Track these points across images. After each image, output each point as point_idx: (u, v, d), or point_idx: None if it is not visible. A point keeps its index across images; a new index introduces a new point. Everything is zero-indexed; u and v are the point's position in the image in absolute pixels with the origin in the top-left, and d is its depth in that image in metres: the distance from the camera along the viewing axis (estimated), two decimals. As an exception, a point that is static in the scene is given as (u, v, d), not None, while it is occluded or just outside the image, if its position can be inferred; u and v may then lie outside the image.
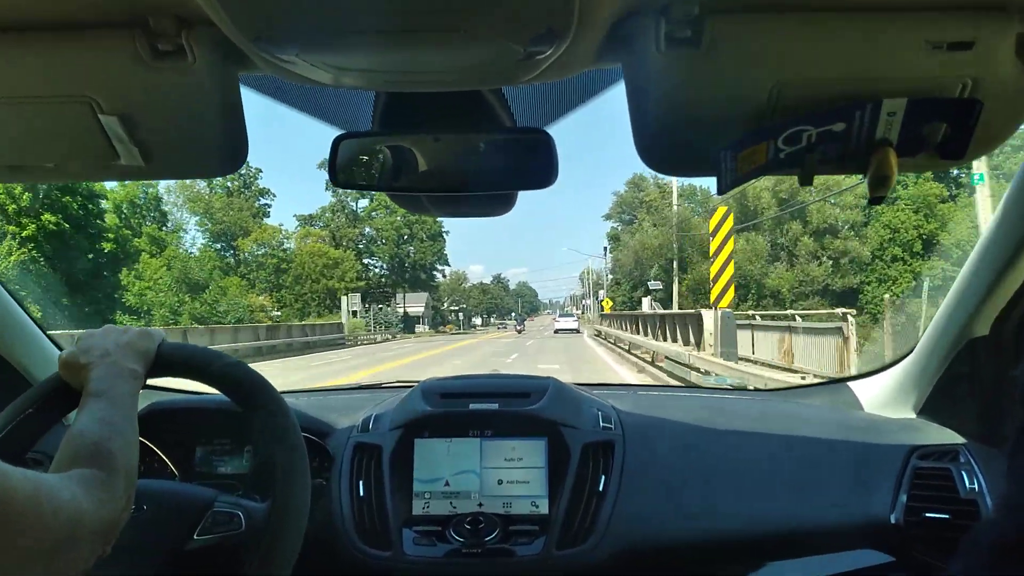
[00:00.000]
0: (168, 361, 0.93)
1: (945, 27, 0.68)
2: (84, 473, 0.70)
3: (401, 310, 53.56)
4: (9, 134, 0.83)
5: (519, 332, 43.65)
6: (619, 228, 51.51)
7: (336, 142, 0.97)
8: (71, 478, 0.68)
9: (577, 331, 37.67)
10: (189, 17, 0.69)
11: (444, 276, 64.50)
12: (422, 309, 65.77)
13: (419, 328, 64.11)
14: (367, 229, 53.64)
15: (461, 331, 66.07)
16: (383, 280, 54.16)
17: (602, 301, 40.37)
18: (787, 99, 0.74)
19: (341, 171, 0.98)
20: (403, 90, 0.89)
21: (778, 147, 0.76)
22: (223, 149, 0.85)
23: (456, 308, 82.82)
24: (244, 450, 1.36)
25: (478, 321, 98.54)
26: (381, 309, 47.25)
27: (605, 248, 50.46)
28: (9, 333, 1.33)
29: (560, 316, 43.75)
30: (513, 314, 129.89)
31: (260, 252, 43.62)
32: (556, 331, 37.98)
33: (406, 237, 55.26)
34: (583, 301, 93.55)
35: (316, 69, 0.73)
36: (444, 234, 58.59)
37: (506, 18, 0.63)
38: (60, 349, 1.39)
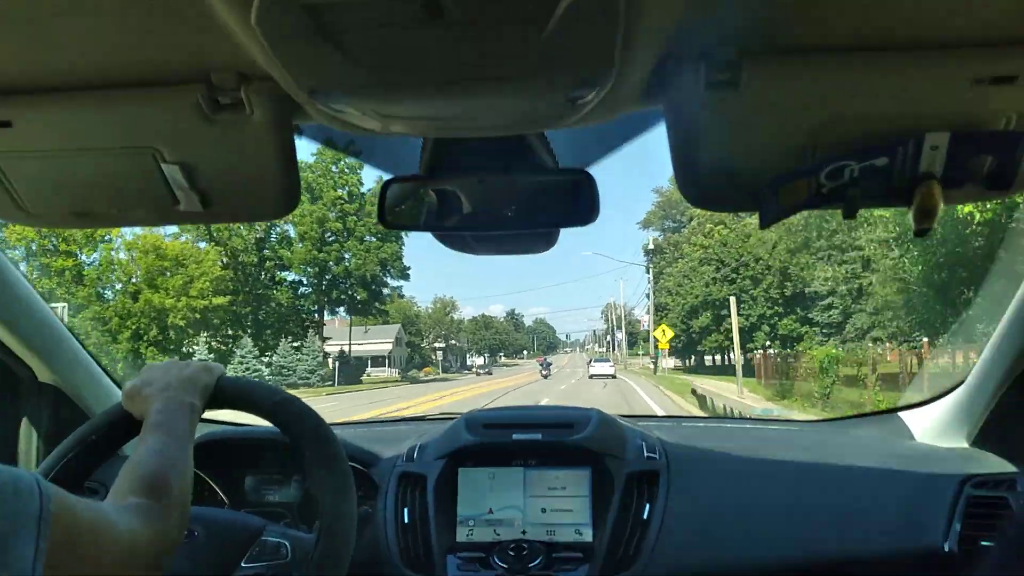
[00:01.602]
0: (226, 395, 0.97)
1: (988, 62, 0.68)
2: (140, 503, 0.73)
3: (323, 344, 36.56)
4: (77, 182, 0.87)
5: (544, 377, 37.38)
6: (661, 238, 43.37)
7: (385, 186, 1.00)
8: (128, 509, 0.71)
9: (613, 376, 34.81)
10: (248, 72, 0.73)
11: (406, 299, 50.95)
12: (389, 347, 53.62)
13: (381, 372, 51.54)
14: (277, 228, 34.42)
15: (440, 376, 51.68)
16: (298, 301, 36.14)
17: (654, 330, 33.30)
18: (828, 136, 0.75)
19: (390, 212, 1.00)
20: (450, 136, 0.92)
21: (820, 182, 0.76)
22: (277, 193, 0.88)
23: (440, 346, 67.52)
24: (292, 480, 1.39)
25: (479, 361, 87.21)
26: (300, 346, 32.96)
27: (647, 257, 41.51)
28: (69, 369, 1.38)
29: (596, 361, 40.95)
30: (525, 352, 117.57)
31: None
32: (592, 376, 35.01)
33: (331, 237, 35.83)
34: (606, 338, 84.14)
35: (367, 118, 0.75)
36: (401, 235, 34.47)
37: (550, 66, 0.65)
38: (117, 384, 1.47)
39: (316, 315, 37.28)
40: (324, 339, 37.85)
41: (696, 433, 1.61)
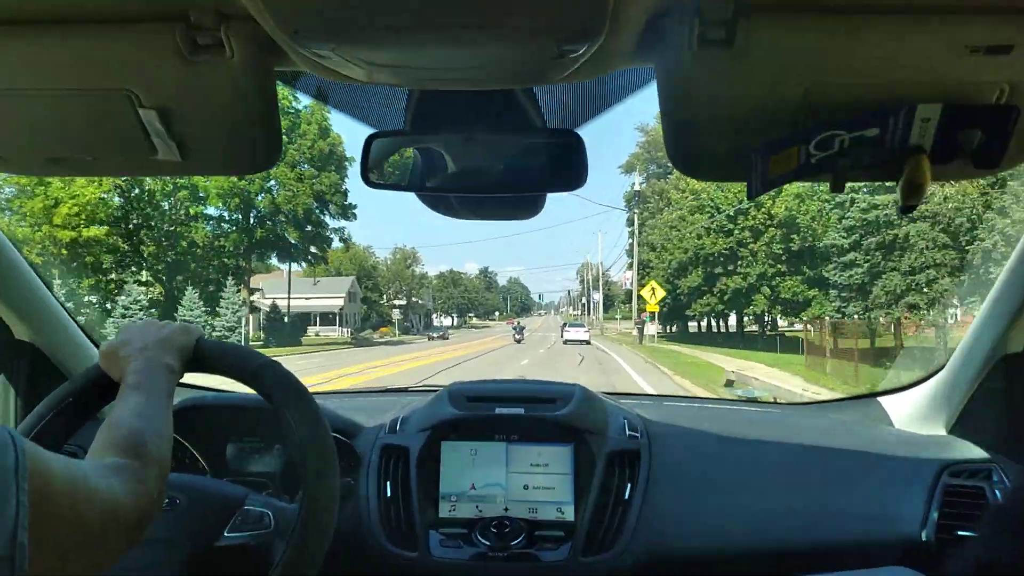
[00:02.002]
0: (205, 357, 0.95)
1: (983, 30, 0.67)
2: (119, 462, 0.71)
3: (250, 295, 30.33)
4: (50, 126, 0.85)
5: (517, 342, 34.55)
6: (644, 184, 37.92)
7: (368, 141, 0.97)
8: (107, 467, 0.70)
9: (588, 342, 33.14)
10: (228, 12, 0.70)
11: (347, 244, 39.06)
12: (341, 302, 48.06)
13: (331, 331, 46.70)
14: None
15: (396, 339, 45.23)
16: (218, 242, 29.29)
17: (640, 287, 28.51)
18: (820, 102, 0.74)
19: (372, 170, 0.99)
20: (435, 88, 0.90)
21: (810, 152, 0.75)
22: (259, 145, 0.87)
23: (400, 304, 59.75)
24: (275, 448, 1.38)
25: (446, 322, 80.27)
26: (215, 294, 26.74)
27: (633, 202, 36.08)
28: (47, 327, 1.36)
29: (570, 326, 38.65)
30: (498, 312, 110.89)
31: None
32: (566, 341, 33.38)
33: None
34: (582, 300, 79.21)
35: (350, 65, 0.74)
36: (346, 161, 31.20)
37: (539, 16, 0.64)
38: (95, 343, 1.45)
39: (240, 260, 30.47)
40: (252, 290, 31.89)
41: (678, 412, 1.61)
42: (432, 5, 0.62)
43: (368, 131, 0.99)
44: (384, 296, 58.13)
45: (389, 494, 1.28)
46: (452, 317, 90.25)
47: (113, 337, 0.92)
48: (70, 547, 0.60)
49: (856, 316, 21.19)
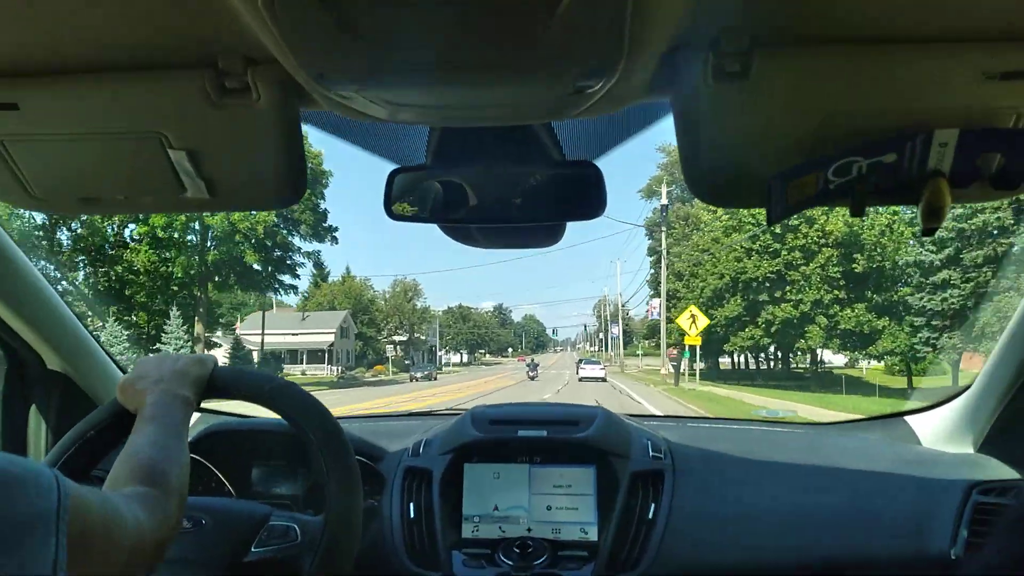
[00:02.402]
0: (221, 385, 0.97)
1: (999, 56, 0.68)
2: (140, 491, 0.74)
3: (205, 330, 26.51)
4: (84, 167, 0.87)
5: (531, 379, 33.26)
6: (668, 206, 33.59)
7: (391, 176, 1.00)
8: (131, 497, 0.72)
9: (604, 379, 31.33)
10: (255, 56, 0.73)
11: (320, 276, 35.88)
12: (331, 338, 44.32)
13: (319, 370, 42.60)
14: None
15: (389, 378, 39.41)
16: (165, 268, 24.99)
17: (675, 316, 24.66)
18: (837, 130, 0.74)
19: (395, 204, 1.00)
20: (456, 125, 0.92)
21: (828, 178, 0.76)
22: (284, 181, 0.88)
23: (401, 339, 55.34)
24: (298, 471, 1.39)
25: (455, 359, 77.64)
26: (151, 326, 23.38)
27: (658, 220, 31.61)
28: (77, 356, 1.39)
29: (585, 363, 36.41)
30: (510, 350, 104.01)
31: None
32: (581, 379, 31.63)
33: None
34: (599, 335, 74.17)
35: (373, 105, 0.75)
36: (324, 176, 27.16)
37: (556, 55, 0.65)
38: (123, 371, 1.46)
39: (193, 287, 26.40)
40: (209, 323, 27.88)
41: (702, 434, 1.59)
42: (454, 47, 0.64)
43: (391, 167, 1.01)
44: (383, 331, 53.30)
45: (412, 515, 1.29)
46: (461, 354, 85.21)
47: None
48: (101, 572, 0.62)
49: (951, 348, 17.76)
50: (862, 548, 1.22)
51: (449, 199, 1.01)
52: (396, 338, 55.76)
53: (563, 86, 0.71)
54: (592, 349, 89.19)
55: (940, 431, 1.50)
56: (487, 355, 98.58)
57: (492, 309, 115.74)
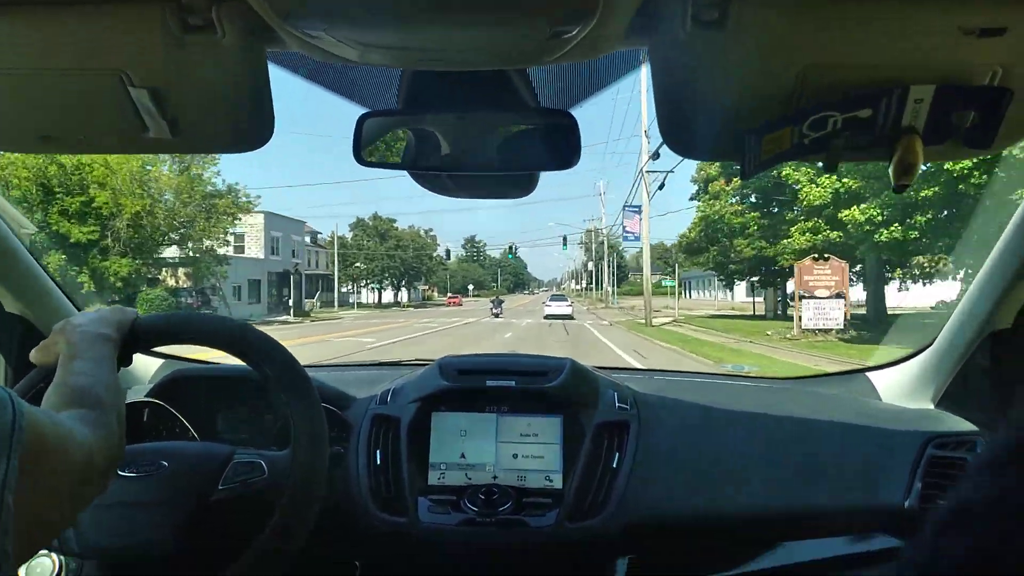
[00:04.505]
0: (147, 330, 0.96)
1: (977, 13, 0.68)
2: (80, 413, 0.74)
3: None
4: (41, 105, 0.85)
5: (495, 316, 32.21)
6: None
7: (360, 120, 0.98)
8: (74, 418, 0.73)
9: (571, 317, 30.27)
10: None
11: None
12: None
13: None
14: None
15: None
16: None
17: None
18: (813, 84, 0.74)
19: (364, 149, 0.99)
20: (429, 68, 0.90)
21: (803, 132, 0.76)
22: (250, 124, 0.87)
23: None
24: (263, 416, 1.40)
25: (368, 299, 58.09)
26: None
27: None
28: (37, 298, 1.37)
29: (551, 300, 35.04)
30: (471, 288, 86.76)
31: None
32: (546, 317, 30.13)
33: None
34: (588, 267, 65.94)
35: (342, 46, 0.74)
36: None
37: None
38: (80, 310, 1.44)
39: None
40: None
41: (668, 386, 1.61)
42: None
43: (360, 111, 0.99)
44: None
45: (379, 462, 1.29)
46: (378, 290, 59.31)
47: None
48: (58, 495, 0.64)
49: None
50: (819, 496, 1.26)
51: (420, 146, 1.00)
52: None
53: (540, 30, 0.70)
54: (577, 287, 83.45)
55: (899, 387, 1.54)
56: (433, 292, 76.63)
57: (464, 242, 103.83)
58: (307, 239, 55.68)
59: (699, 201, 25.86)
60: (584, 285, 71.53)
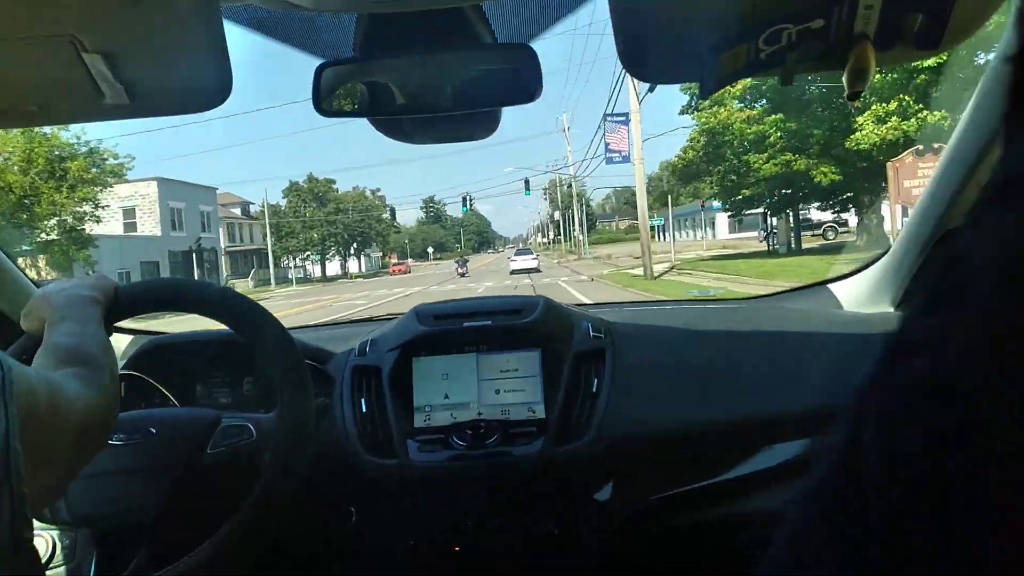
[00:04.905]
0: (130, 298, 0.96)
1: None
2: (73, 371, 0.74)
3: None
4: None
5: (461, 275, 31.51)
6: None
7: (318, 71, 0.97)
8: (68, 376, 0.72)
9: (537, 270, 29.40)
10: None
11: None
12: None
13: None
14: None
15: None
16: None
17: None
18: None
19: (324, 99, 0.98)
20: (383, 10, 0.89)
21: (759, 47, 0.77)
22: (208, 84, 0.86)
23: (251, 248, 41.23)
24: (244, 381, 1.40)
25: (354, 268, 53.55)
26: None
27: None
28: None
29: (515, 254, 34.06)
30: (431, 251, 79.20)
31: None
32: (512, 272, 29.35)
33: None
34: (554, 217, 59.91)
35: None
36: None
37: None
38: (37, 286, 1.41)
39: None
40: None
41: (640, 315, 1.66)
42: None
43: (316, 62, 0.97)
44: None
45: (364, 409, 1.31)
46: (321, 262, 52.43)
47: None
48: (53, 453, 0.64)
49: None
50: (788, 402, 1.31)
51: (378, 91, 0.99)
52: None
53: None
54: (544, 240, 79.85)
55: (860, 295, 1.57)
56: (392, 258, 66.05)
57: (422, 203, 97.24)
58: (238, 211, 48.92)
59: (693, 114, 20.21)
60: (552, 237, 66.25)
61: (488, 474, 1.27)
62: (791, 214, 21.85)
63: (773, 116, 17.94)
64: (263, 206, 44.68)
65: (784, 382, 1.32)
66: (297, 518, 1.05)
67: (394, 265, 51.58)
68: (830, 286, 1.66)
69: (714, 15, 0.77)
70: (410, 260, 68.63)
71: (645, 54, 0.84)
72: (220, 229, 42.21)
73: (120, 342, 1.58)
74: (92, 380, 0.73)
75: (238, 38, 0.91)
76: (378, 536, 1.31)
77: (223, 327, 1.00)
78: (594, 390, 1.29)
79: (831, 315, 1.55)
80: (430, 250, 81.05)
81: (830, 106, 16.90)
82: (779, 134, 17.67)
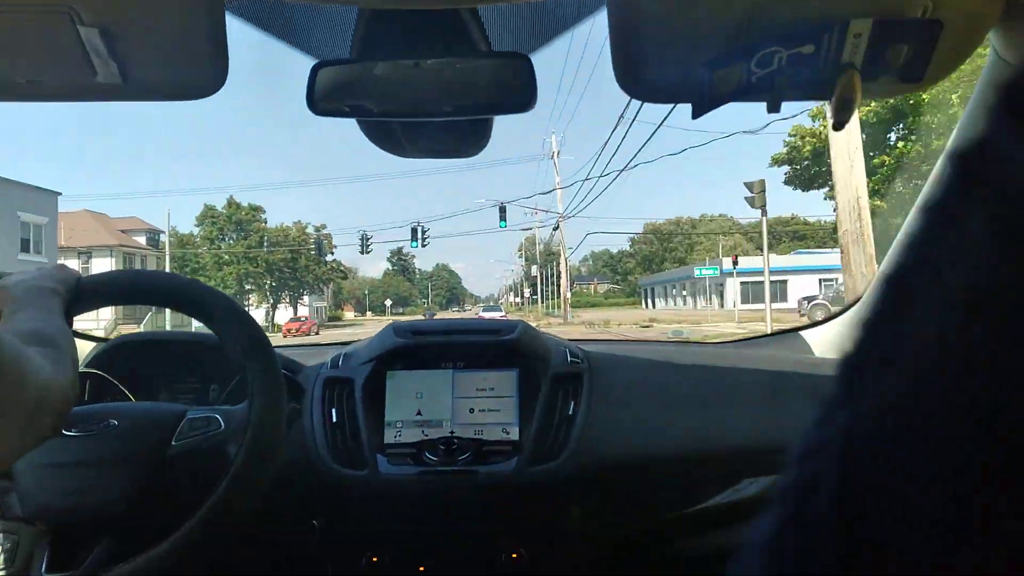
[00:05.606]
0: (92, 289, 0.94)
1: None
2: (37, 349, 0.72)
3: None
4: None
5: None
6: None
7: (314, 70, 0.97)
8: (32, 351, 0.70)
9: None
10: None
11: None
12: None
13: None
14: None
15: None
16: None
17: None
18: (760, 20, 0.76)
19: (319, 99, 0.98)
20: (384, 7, 0.89)
21: (751, 70, 0.79)
22: (203, 70, 0.85)
23: None
24: (210, 383, 1.37)
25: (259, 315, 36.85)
26: None
27: None
28: None
29: (483, 310, 35.93)
30: (388, 304, 69.05)
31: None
32: None
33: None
34: (532, 274, 54.06)
35: None
36: None
37: None
38: None
39: None
40: None
41: (615, 348, 1.67)
42: None
43: (313, 61, 0.98)
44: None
45: (335, 420, 1.28)
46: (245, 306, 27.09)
47: None
48: (12, 420, 0.62)
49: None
50: (757, 438, 1.30)
51: (374, 93, 1.00)
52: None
53: None
54: (517, 300, 74.50)
55: (831, 341, 1.62)
56: (345, 310, 60.74)
57: (390, 255, 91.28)
58: (143, 239, 39.58)
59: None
60: (528, 296, 59.07)
61: (459, 490, 1.25)
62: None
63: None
64: (169, 233, 35.71)
65: (758, 418, 1.33)
66: (256, 528, 1.04)
67: (289, 322, 37.58)
68: (802, 333, 1.71)
69: (712, 34, 0.77)
70: (354, 314, 59.28)
71: (643, 74, 0.85)
72: (111, 260, 33.29)
73: (83, 347, 1.50)
74: (55, 360, 0.71)
75: (237, 32, 0.88)
76: (341, 551, 1.29)
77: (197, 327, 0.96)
78: (570, 412, 1.28)
79: (803, 359, 1.58)
80: (388, 303, 71.30)
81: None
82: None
